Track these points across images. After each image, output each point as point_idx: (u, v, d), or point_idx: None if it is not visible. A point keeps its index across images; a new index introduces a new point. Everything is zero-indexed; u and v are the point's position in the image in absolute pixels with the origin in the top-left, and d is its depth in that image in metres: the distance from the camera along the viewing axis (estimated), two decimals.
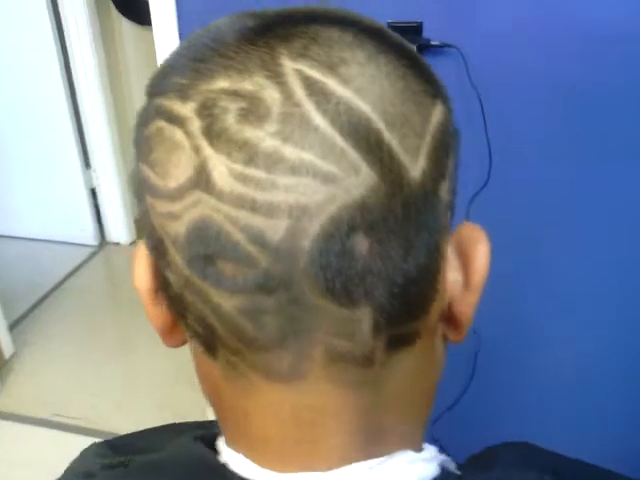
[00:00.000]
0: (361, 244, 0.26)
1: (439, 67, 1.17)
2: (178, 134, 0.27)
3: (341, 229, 0.25)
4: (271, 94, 0.25)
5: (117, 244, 3.00)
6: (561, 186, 1.18)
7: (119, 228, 2.97)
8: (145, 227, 0.30)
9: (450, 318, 0.31)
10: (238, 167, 0.25)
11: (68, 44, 2.57)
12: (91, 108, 2.69)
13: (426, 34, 1.10)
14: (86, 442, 1.63)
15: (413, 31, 1.10)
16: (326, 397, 0.29)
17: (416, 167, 0.26)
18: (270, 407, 0.30)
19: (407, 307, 0.28)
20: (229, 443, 0.33)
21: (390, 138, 0.26)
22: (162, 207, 0.27)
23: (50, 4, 2.48)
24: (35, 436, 1.89)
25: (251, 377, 0.29)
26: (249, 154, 0.25)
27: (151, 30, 1.25)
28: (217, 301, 0.27)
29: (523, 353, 1.36)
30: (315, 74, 0.26)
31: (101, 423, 1.92)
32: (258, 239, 0.25)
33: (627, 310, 1.26)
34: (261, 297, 0.26)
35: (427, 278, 0.28)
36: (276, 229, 0.25)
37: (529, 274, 1.28)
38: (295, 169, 0.25)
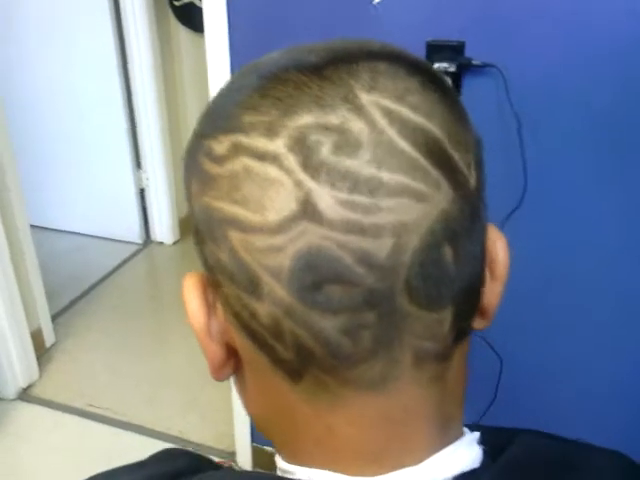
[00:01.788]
0: (448, 252, 0.29)
1: (479, 86, 1.19)
2: (272, 170, 0.27)
3: (435, 241, 0.28)
4: (357, 125, 0.27)
5: (161, 244, 3.07)
6: (595, 211, 1.16)
7: (164, 228, 3.05)
8: (219, 264, 0.30)
9: (480, 308, 0.35)
10: (343, 195, 0.27)
11: (127, 47, 2.66)
12: (145, 111, 2.78)
13: (468, 53, 1.11)
14: (114, 433, 1.70)
15: (455, 50, 1.11)
16: (413, 396, 0.31)
17: (472, 178, 0.30)
18: (360, 416, 0.31)
19: (475, 302, 0.32)
20: (302, 463, 0.33)
21: (455, 155, 0.29)
22: (259, 242, 0.28)
23: (112, 8, 2.57)
24: (69, 424, 1.96)
25: (340, 392, 0.30)
26: (352, 182, 0.27)
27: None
28: (320, 324, 0.28)
29: (548, 376, 1.34)
30: (389, 104, 0.28)
31: (130, 416, 1.97)
32: (366, 259, 0.27)
33: None
34: (363, 313, 0.28)
35: (483, 274, 0.32)
36: (382, 248, 0.27)
37: (558, 296, 1.26)
38: (393, 191, 0.27)
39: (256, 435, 1.71)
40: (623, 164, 1.11)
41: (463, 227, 0.29)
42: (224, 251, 0.29)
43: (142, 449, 1.84)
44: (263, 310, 0.29)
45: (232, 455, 1.81)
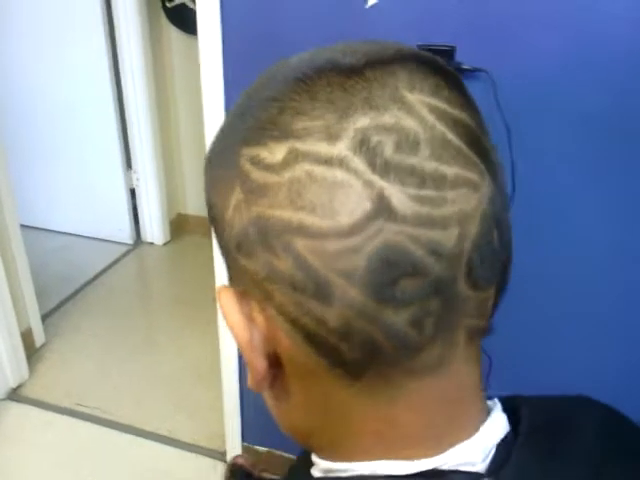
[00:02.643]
0: (495, 236, 0.31)
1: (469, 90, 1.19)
2: (339, 173, 0.28)
3: (487, 227, 0.30)
4: (410, 123, 0.29)
5: (151, 244, 3.07)
6: (583, 214, 1.18)
7: (154, 229, 3.05)
8: (275, 274, 0.30)
9: None
10: (413, 191, 0.28)
11: (118, 47, 2.66)
12: (136, 111, 2.78)
13: (458, 58, 1.13)
14: (104, 432, 1.71)
15: (445, 54, 1.13)
16: (465, 374, 0.33)
17: (497, 162, 0.32)
18: (420, 402, 0.32)
19: (508, 278, 0.34)
20: (359, 459, 0.34)
21: (488, 146, 0.32)
22: (331, 246, 0.28)
23: (104, 9, 2.58)
24: (58, 423, 1.95)
25: (401, 382, 0.31)
26: (419, 178, 0.28)
27: (197, 39, 1.30)
28: (391, 319, 0.29)
29: (536, 376, 1.36)
30: (431, 100, 0.30)
31: (119, 415, 1.98)
32: (435, 250, 0.28)
33: None
34: (430, 302, 0.29)
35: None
36: (449, 238, 0.29)
37: (547, 296, 1.28)
38: (454, 183, 0.29)
39: (247, 435, 1.72)
40: (611, 169, 1.13)
41: (502, 211, 0.31)
42: (286, 260, 0.29)
43: (131, 449, 1.85)
44: (332, 314, 0.29)
45: (223, 455, 1.81)
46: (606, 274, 1.23)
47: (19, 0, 2.61)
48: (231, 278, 0.34)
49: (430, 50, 1.14)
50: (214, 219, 0.33)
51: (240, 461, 1.69)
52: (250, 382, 0.34)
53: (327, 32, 1.16)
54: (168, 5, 2.72)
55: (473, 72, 1.12)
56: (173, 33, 2.81)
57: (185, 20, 2.67)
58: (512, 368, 1.35)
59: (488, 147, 0.32)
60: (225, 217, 0.32)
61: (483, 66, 1.11)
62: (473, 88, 1.12)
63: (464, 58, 1.12)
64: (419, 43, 1.12)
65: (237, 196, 0.30)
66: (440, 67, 0.32)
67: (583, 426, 0.38)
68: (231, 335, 0.34)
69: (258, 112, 0.31)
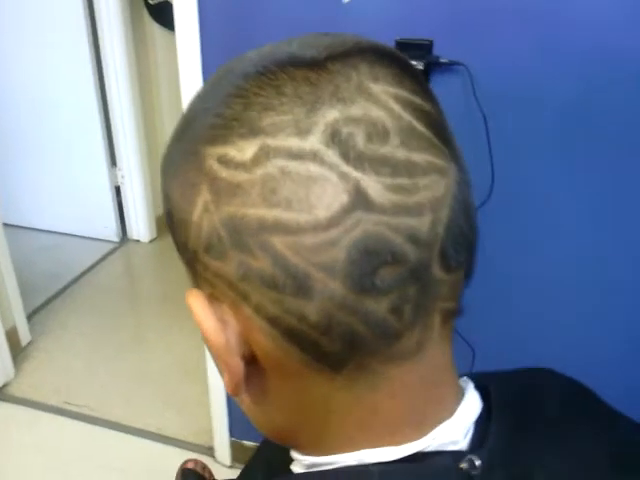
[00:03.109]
0: (464, 219, 0.31)
1: (447, 84, 1.21)
2: (313, 167, 0.28)
3: (459, 211, 0.31)
4: (378, 113, 0.29)
5: (138, 241, 3.07)
6: (562, 203, 1.20)
7: (140, 226, 3.04)
8: (252, 273, 0.29)
9: None
10: (387, 180, 0.28)
11: (101, 45, 2.64)
12: (120, 109, 2.77)
13: (435, 51, 1.14)
14: (92, 430, 1.70)
15: (423, 48, 1.13)
16: (440, 355, 0.34)
17: (459, 147, 0.33)
18: (401, 387, 0.32)
19: (474, 259, 0.34)
20: (342, 451, 0.34)
21: (449, 130, 0.32)
22: (309, 240, 0.28)
23: (86, 7, 2.56)
24: (45, 422, 1.95)
25: (382, 370, 0.31)
26: (392, 167, 0.28)
27: None
28: (371, 308, 0.29)
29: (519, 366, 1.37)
30: (395, 90, 0.30)
31: (107, 413, 1.98)
32: (412, 237, 0.29)
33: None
34: (407, 289, 0.29)
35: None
36: (424, 224, 0.29)
37: (527, 286, 1.30)
38: (425, 170, 0.29)
39: (234, 430, 1.73)
40: (588, 158, 1.14)
41: (468, 196, 0.32)
42: (263, 258, 0.29)
43: (120, 446, 1.85)
44: (312, 308, 0.29)
45: (211, 450, 1.82)
46: (588, 264, 1.24)
47: None
48: (196, 283, 0.33)
49: (408, 44, 1.15)
50: (175, 224, 0.33)
51: (191, 465, 1.70)
52: (228, 386, 0.34)
53: (304, 27, 1.15)
54: (151, 2, 2.70)
55: (451, 65, 1.13)
56: (156, 30, 2.80)
57: (168, 17, 2.64)
58: (495, 359, 1.37)
59: (451, 133, 0.32)
60: (191, 220, 0.31)
61: (461, 59, 1.12)
62: (451, 81, 1.13)
63: (442, 52, 1.13)
64: (397, 37, 1.13)
65: (204, 197, 0.30)
66: (398, 58, 0.32)
67: (549, 396, 0.40)
68: (204, 340, 0.33)
69: (220, 109, 0.30)
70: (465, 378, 0.38)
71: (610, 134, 1.11)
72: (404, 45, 1.13)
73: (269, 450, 0.53)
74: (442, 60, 1.13)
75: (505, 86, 1.12)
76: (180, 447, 1.85)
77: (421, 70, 1.12)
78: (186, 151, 0.31)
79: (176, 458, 1.79)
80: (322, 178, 0.28)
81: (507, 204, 1.20)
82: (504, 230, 1.24)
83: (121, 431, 1.91)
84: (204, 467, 1.53)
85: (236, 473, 0.59)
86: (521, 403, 0.38)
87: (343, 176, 0.28)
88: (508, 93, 1.13)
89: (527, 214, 1.22)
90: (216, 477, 1.73)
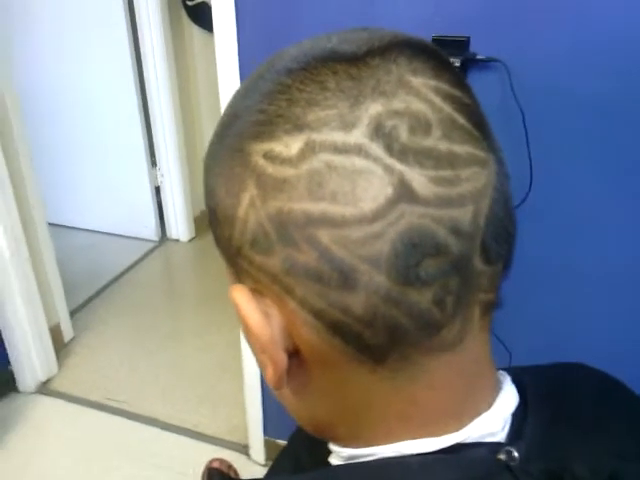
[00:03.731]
0: (505, 211, 0.31)
1: (484, 81, 1.19)
2: (358, 161, 0.28)
3: (499, 203, 0.31)
4: (419, 106, 0.29)
5: (177, 241, 3.11)
6: (600, 205, 1.16)
7: (179, 226, 3.08)
8: (297, 267, 0.30)
9: None
10: (431, 172, 0.28)
11: (141, 46, 2.69)
12: (160, 110, 2.81)
13: (472, 48, 1.12)
14: (130, 426, 1.73)
15: (460, 45, 1.12)
16: (480, 347, 0.34)
17: (496, 138, 0.33)
18: (441, 379, 0.33)
19: (513, 252, 0.34)
20: (382, 443, 0.34)
21: (487, 121, 0.32)
22: (355, 233, 0.28)
23: (127, 8, 2.61)
24: (86, 416, 2.00)
25: (423, 361, 0.32)
26: (435, 159, 0.29)
27: None
28: (415, 300, 0.29)
29: None
30: (435, 83, 0.30)
31: (145, 409, 2.01)
32: (455, 229, 0.29)
33: None
34: (449, 280, 0.30)
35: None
36: (466, 216, 0.29)
37: (563, 289, 1.27)
38: (467, 161, 0.30)
39: (268, 428, 1.74)
40: (628, 159, 1.11)
41: (507, 187, 0.32)
42: (309, 252, 0.29)
43: (157, 442, 1.88)
44: (357, 301, 0.29)
45: (245, 448, 1.83)
46: (628, 264, 1.21)
47: (42, 0, 2.66)
48: (239, 278, 0.34)
49: (444, 41, 1.13)
50: (219, 220, 0.33)
51: (216, 464, 1.72)
52: (271, 379, 0.34)
53: (339, 26, 1.15)
54: (189, 3, 2.74)
55: (488, 62, 1.11)
56: (195, 31, 2.84)
57: (206, 18, 2.68)
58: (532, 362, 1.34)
59: (489, 125, 0.32)
60: (236, 215, 0.31)
61: (498, 56, 1.10)
62: (488, 78, 1.11)
63: (479, 48, 1.11)
64: (434, 34, 1.11)
65: (251, 193, 0.30)
66: (435, 51, 0.32)
67: (584, 390, 0.40)
68: (247, 334, 0.33)
69: (263, 106, 0.30)
70: (502, 372, 0.38)
71: None
72: (441, 42, 1.12)
73: (297, 447, 0.54)
74: (479, 57, 1.11)
75: (543, 82, 1.10)
76: (215, 444, 1.87)
77: (458, 67, 1.11)
78: (231, 148, 0.32)
79: (211, 455, 1.82)
80: (367, 171, 0.28)
81: (546, 201, 1.18)
82: (541, 230, 1.22)
83: (158, 427, 1.94)
84: (229, 466, 1.54)
85: None
86: (557, 396, 0.38)
87: (387, 169, 0.28)
88: (546, 89, 1.10)
89: (566, 212, 1.19)
90: (250, 475, 1.75)
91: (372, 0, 1.13)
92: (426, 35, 1.12)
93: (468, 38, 1.12)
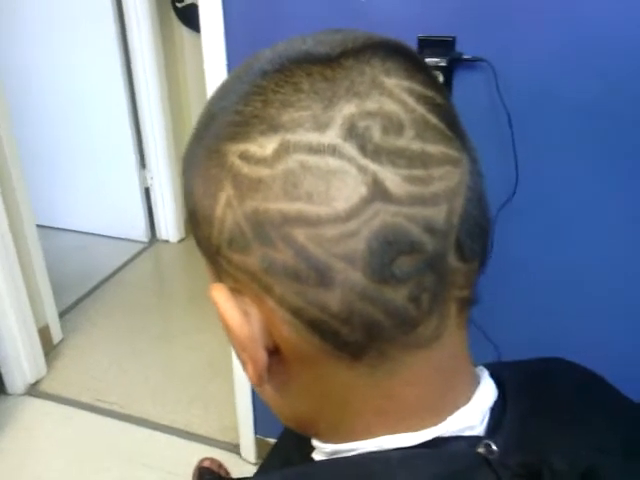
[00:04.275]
0: (479, 209, 0.32)
1: (470, 81, 1.20)
2: (332, 161, 0.28)
3: (472, 201, 0.31)
4: (392, 107, 0.30)
5: (166, 242, 3.11)
6: (586, 202, 1.18)
7: (169, 227, 3.08)
8: (274, 266, 0.30)
9: None
10: (404, 172, 0.29)
11: (130, 48, 2.69)
12: (149, 111, 2.81)
13: (458, 48, 1.13)
14: (121, 427, 1.73)
15: (445, 45, 1.13)
16: (456, 344, 0.35)
17: (470, 138, 0.33)
18: (418, 375, 0.33)
19: (488, 249, 0.35)
20: (361, 438, 0.35)
21: (460, 121, 0.33)
22: (330, 232, 0.29)
23: (115, 10, 2.61)
24: (76, 418, 1.99)
25: (400, 357, 0.32)
26: (408, 159, 0.29)
27: None
28: (390, 297, 0.30)
29: None
30: (408, 84, 0.31)
31: (136, 410, 2.01)
32: (429, 227, 0.30)
33: None
34: (425, 277, 0.30)
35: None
36: (440, 214, 0.30)
37: (549, 285, 1.28)
38: (440, 161, 0.30)
39: (259, 427, 1.74)
40: (613, 157, 1.13)
41: (480, 186, 0.33)
42: (286, 251, 0.29)
43: (148, 442, 1.88)
44: (334, 299, 0.30)
45: (236, 448, 1.83)
46: (614, 262, 1.22)
47: (31, 1, 2.65)
48: (219, 277, 0.34)
49: (430, 41, 1.14)
50: (198, 220, 0.33)
51: (207, 464, 1.73)
52: (252, 377, 0.35)
53: (326, 26, 1.16)
54: (178, 5, 2.74)
55: (474, 62, 1.12)
56: (184, 33, 2.84)
57: (195, 20, 2.68)
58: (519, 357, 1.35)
59: (462, 124, 0.33)
60: (214, 215, 0.31)
61: (484, 56, 1.11)
62: (474, 78, 1.12)
63: (465, 48, 1.12)
64: (419, 34, 1.12)
65: (227, 193, 0.30)
66: (408, 52, 0.33)
67: (563, 383, 0.40)
68: (227, 333, 0.34)
69: (239, 107, 0.31)
70: (480, 367, 0.39)
71: (635, 131, 1.09)
72: (426, 42, 1.13)
73: (286, 445, 0.54)
74: (465, 57, 1.12)
75: (529, 82, 1.11)
76: (206, 444, 1.87)
77: (444, 67, 1.12)
78: (208, 149, 0.32)
79: (202, 455, 1.81)
80: (341, 171, 0.28)
81: (531, 200, 1.19)
82: (527, 228, 1.23)
83: (149, 428, 1.94)
84: (220, 465, 1.54)
85: None
86: (535, 389, 0.38)
87: (361, 169, 0.28)
88: (532, 89, 1.12)
89: (551, 211, 1.21)
90: (241, 474, 1.75)
91: (358, 1, 1.14)
92: (412, 35, 1.13)
93: (454, 38, 1.13)
